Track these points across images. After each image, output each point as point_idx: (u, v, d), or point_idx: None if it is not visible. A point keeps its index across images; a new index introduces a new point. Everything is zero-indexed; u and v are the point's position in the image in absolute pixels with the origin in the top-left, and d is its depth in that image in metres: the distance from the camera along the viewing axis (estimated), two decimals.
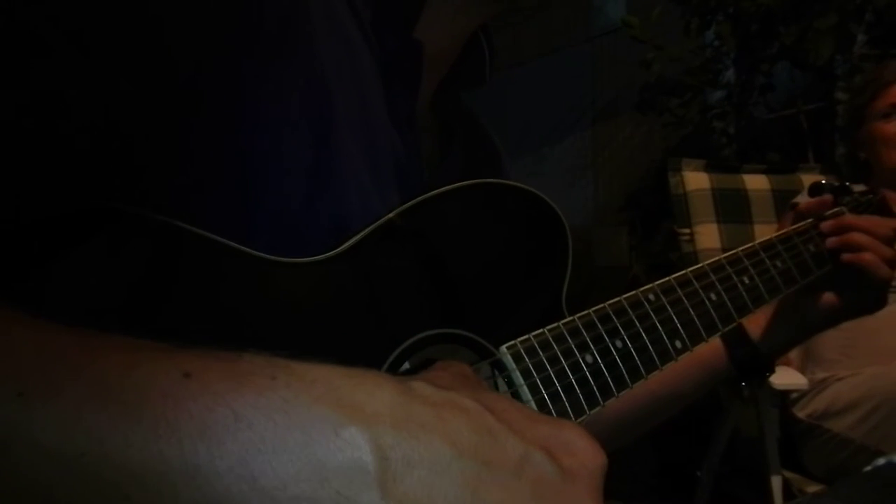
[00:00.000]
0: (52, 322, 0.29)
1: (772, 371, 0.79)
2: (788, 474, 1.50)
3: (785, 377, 1.46)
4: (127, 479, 0.26)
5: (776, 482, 1.43)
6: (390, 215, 0.48)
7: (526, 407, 0.35)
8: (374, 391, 0.29)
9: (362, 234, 0.46)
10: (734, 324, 0.64)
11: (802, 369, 1.58)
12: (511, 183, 0.55)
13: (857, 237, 0.75)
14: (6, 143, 0.34)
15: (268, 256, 0.41)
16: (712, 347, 0.76)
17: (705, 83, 2.59)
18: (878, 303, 0.79)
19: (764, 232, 1.85)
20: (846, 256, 0.76)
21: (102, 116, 0.36)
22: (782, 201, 1.90)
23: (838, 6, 2.13)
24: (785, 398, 1.56)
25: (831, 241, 0.77)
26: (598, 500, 0.32)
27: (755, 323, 0.78)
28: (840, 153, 2.11)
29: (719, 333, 0.62)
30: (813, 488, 1.47)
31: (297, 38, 0.44)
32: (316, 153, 0.45)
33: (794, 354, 1.62)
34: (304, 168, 0.45)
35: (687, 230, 1.89)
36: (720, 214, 1.89)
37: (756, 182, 1.95)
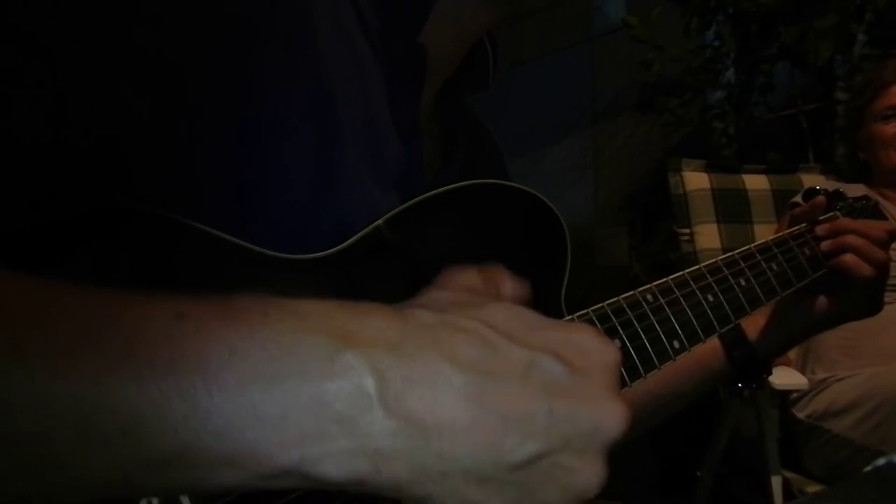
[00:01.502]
0: (44, 279, 0.29)
1: (769, 372, 0.80)
2: (788, 474, 1.50)
3: (785, 377, 1.46)
4: (125, 417, 0.26)
5: (776, 482, 1.43)
6: (391, 214, 0.48)
7: (534, 314, 0.34)
8: (366, 320, 0.30)
9: (363, 231, 0.47)
10: (731, 325, 0.64)
11: (802, 369, 1.58)
12: (509, 184, 0.55)
13: (851, 239, 0.76)
14: (8, 146, 0.34)
15: (269, 253, 0.42)
16: (711, 348, 0.76)
17: (705, 83, 2.59)
18: (872, 307, 0.79)
19: (764, 232, 1.86)
20: (832, 261, 0.76)
21: (105, 120, 0.36)
22: (782, 201, 1.90)
23: (838, 6, 2.13)
24: (785, 398, 1.56)
25: (825, 244, 0.77)
26: (615, 394, 0.32)
27: (753, 324, 0.78)
28: (840, 153, 2.11)
29: (716, 334, 0.63)
30: (813, 488, 1.47)
31: (301, 42, 0.44)
32: (319, 156, 0.45)
33: (793, 354, 1.62)
34: (307, 171, 0.45)
35: (687, 230, 1.89)
36: (720, 214, 1.89)
37: (756, 182, 1.95)
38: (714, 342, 0.76)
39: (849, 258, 0.75)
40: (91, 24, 0.36)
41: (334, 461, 0.28)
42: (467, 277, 0.36)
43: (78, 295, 0.29)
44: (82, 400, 0.26)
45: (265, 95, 0.42)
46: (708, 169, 1.94)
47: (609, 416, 0.31)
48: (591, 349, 0.33)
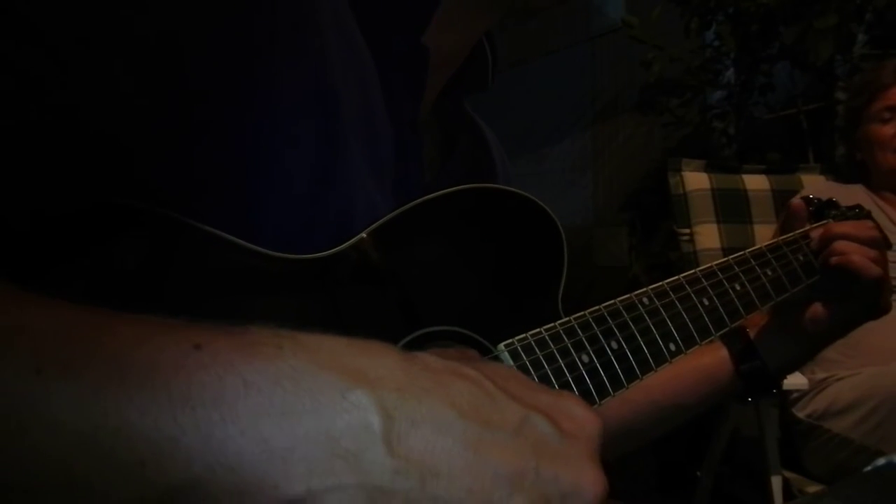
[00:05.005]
0: (64, 301, 0.30)
1: (779, 388, 0.79)
2: (788, 474, 1.50)
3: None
4: (142, 447, 0.26)
5: (776, 482, 1.43)
6: (391, 215, 0.49)
7: (526, 377, 0.36)
8: (377, 359, 0.31)
9: (364, 232, 0.47)
10: (726, 328, 0.65)
11: (803, 369, 1.58)
12: (503, 187, 0.56)
13: (842, 244, 0.75)
14: (12, 144, 0.34)
15: (269, 252, 0.42)
16: (719, 361, 0.76)
17: (705, 83, 2.59)
18: (883, 305, 0.78)
19: (764, 232, 1.86)
20: (834, 260, 0.75)
21: (110, 116, 0.36)
22: (782, 201, 1.90)
23: (838, 6, 2.13)
24: (785, 398, 1.56)
25: (823, 253, 0.76)
26: (597, 462, 0.33)
27: (762, 338, 0.77)
28: (840, 153, 2.11)
29: (712, 338, 0.63)
30: (813, 488, 1.47)
31: (307, 41, 0.44)
32: (322, 154, 0.45)
33: None
34: (310, 168, 0.45)
35: (687, 230, 1.89)
36: (720, 214, 1.89)
37: (756, 182, 1.95)
38: (723, 354, 0.76)
39: (857, 258, 0.74)
40: (92, 17, 0.36)
41: (336, 497, 0.28)
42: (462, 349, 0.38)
43: (101, 321, 0.29)
44: (103, 430, 0.26)
45: (271, 92, 0.42)
46: (708, 169, 1.94)
47: (589, 483, 0.32)
48: (579, 416, 0.34)
